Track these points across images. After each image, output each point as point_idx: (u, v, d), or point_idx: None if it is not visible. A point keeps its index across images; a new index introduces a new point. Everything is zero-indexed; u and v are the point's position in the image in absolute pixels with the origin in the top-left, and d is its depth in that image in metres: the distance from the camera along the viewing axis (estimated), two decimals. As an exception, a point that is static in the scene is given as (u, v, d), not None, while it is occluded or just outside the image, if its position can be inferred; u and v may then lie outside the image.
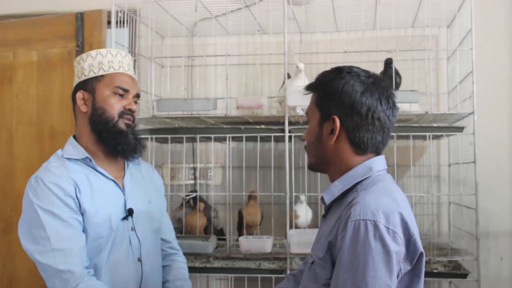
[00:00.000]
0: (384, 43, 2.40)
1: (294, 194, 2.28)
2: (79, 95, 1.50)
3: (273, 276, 2.18)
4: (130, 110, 1.51)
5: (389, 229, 1.01)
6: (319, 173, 1.99)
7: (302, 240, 2.08)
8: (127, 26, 2.33)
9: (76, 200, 1.40)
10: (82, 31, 2.28)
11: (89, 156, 1.47)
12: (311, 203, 2.42)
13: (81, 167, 1.47)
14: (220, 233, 2.55)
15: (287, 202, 2.19)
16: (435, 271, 2.12)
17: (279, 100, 2.46)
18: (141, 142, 1.56)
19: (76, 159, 1.47)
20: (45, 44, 2.33)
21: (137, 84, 1.57)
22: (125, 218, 1.48)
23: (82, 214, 1.41)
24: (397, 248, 1.01)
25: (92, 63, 1.49)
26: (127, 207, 1.50)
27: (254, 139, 2.26)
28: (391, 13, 2.26)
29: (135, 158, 1.59)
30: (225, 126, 2.29)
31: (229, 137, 2.27)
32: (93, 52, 1.51)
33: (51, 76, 2.33)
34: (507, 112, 2.57)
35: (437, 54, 2.62)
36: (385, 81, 1.19)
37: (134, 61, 2.35)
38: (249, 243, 2.19)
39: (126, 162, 1.59)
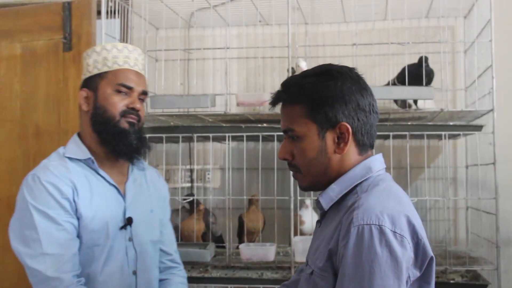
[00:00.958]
0: (396, 35, 2.41)
1: (299, 198, 2.25)
2: (82, 93, 1.50)
3: (276, 286, 2.11)
4: (134, 108, 1.49)
5: (396, 233, 0.98)
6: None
7: (307, 247, 2.02)
8: (118, 17, 2.32)
9: (73, 203, 1.40)
10: (70, 22, 2.23)
11: (92, 158, 1.47)
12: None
13: (82, 168, 1.46)
14: (219, 240, 2.52)
15: (291, 206, 2.18)
16: (451, 281, 2.07)
17: (282, 97, 2.41)
18: (145, 143, 1.54)
19: (78, 160, 1.47)
20: (30, 36, 2.27)
21: (144, 80, 1.55)
22: (123, 227, 1.47)
23: (78, 219, 1.41)
24: (405, 253, 0.98)
25: (96, 58, 1.49)
26: (127, 216, 1.49)
27: (255, 138, 2.25)
28: (404, 2, 2.24)
29: (138, 160, 1.57)
30: (224, 125, 2.28)
31: (228, 136, 2.25)
32: (98, 47, 1.51)
33: (36, 70, 2.27)
34: (529, 110, 2.59)
35: (454, 47, 2.61)
36: (355, 71, 1.18)
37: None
38: (250, 251, 2.17)
39: (130, 167, 1.58)
